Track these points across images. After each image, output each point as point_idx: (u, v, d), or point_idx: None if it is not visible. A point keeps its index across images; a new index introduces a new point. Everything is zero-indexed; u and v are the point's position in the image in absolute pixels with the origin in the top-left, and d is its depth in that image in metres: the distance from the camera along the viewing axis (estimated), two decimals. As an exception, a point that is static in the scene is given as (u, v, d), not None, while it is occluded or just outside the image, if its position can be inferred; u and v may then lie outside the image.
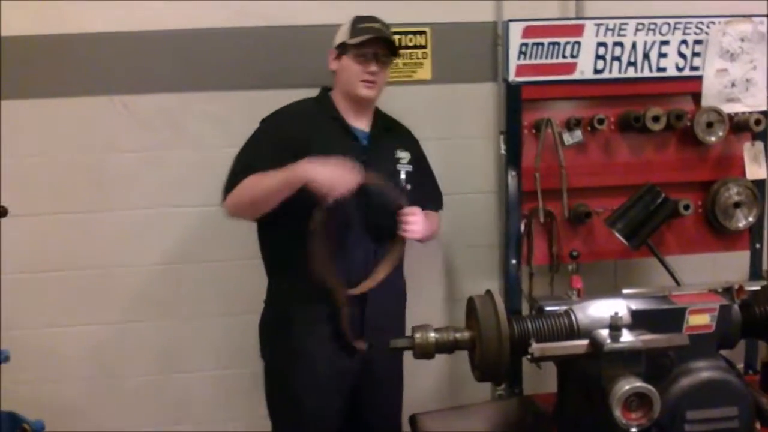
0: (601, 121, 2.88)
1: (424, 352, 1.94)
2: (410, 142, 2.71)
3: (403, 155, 2.62)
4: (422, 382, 3.19)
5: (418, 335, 1.94)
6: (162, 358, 3.10)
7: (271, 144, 2.45)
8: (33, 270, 2.98)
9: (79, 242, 2.99)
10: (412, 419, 2.28)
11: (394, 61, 2.64)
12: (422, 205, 2.58)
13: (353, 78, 2.49)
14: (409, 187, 2.58)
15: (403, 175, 2.59)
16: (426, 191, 2.72)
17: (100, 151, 2.95)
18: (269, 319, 2.59)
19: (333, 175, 2.27)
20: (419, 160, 2.70)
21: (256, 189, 2.36)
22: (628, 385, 1.73)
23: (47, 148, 2.93)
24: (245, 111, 2.72)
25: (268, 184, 2.33)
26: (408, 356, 2.02)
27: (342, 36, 2.53)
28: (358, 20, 2.53)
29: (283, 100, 2.61)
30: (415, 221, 2.47)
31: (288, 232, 2.44)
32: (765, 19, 2.93)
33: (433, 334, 1.94)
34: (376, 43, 2.48)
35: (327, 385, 2.48)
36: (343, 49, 2.51)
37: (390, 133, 2.65)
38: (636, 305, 1.95)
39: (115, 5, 2.86)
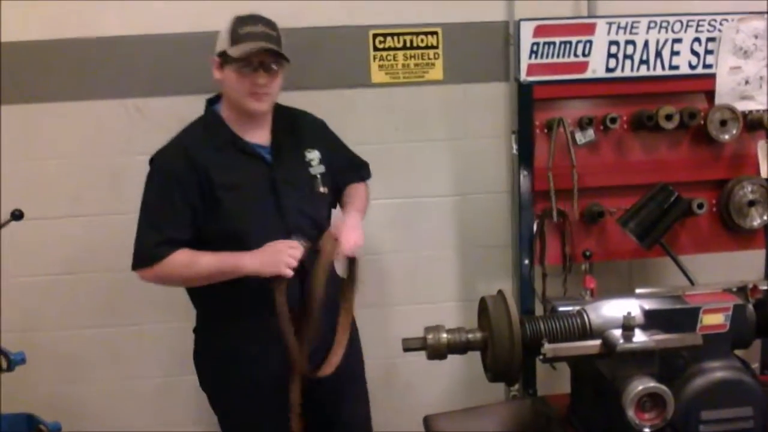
0: (613, 120, 2.87)
1: (437, 352, 1.94)
2: (314, 134, 2.45)
3: (312, 155, 2.39)
4: (436, 383, 3.20)
5: (430, 336, 1.95)
6: (178, 359, 3.11)
7: (173, 194, 2.21)
8: (49, 273, 3.01)
9: (95, 245, 3.01)
10: (426, 420, 2.28)
11: (286, 66, 2.28)
12: (346, 182, 2.50)
13: (240, 92, 2.23)
14: (324, 190, 2.39)
15: (318, 179, 2.38)
16: (344, 167, 2.51)
17: (115, 154, 2.97)
18: (211, 354, 2.40)
19: (271, 260, 2.14)
20: (329, 148, 2.46)
21: (187, 272, 2.21)
22: (642, 385, 1.73)
23: (63, 152, 2.96)
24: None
25: (201, 272, 2.20)
26: (421, 357, 2.03)
27: (222, 43, 2.23)
28: (239, 23, 2.22)
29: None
30: (347, 239, 2.25)
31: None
32: (779, 15, 2.91)
33: (445, 335, 1.95)
34: (262, 52, 2.20)
35: (284, 413, 2.32)
36: (224, 58, 2.22)
37: (293, 135, 2.38)
38: (649, 305, 1.95)
39: (128, 9, 2.88)
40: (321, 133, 2.49)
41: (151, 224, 2.22)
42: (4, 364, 2.47)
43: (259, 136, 2.32)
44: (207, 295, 2.31)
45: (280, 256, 2.14)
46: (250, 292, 2.21)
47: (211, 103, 2.37)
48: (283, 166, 2.32)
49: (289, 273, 2.13)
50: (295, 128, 2.40)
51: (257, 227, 2.23)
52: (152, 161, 2.28)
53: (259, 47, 2.17)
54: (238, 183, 2.24)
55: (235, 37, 2.18)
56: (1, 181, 2.91)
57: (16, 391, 2.84)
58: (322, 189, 2.38)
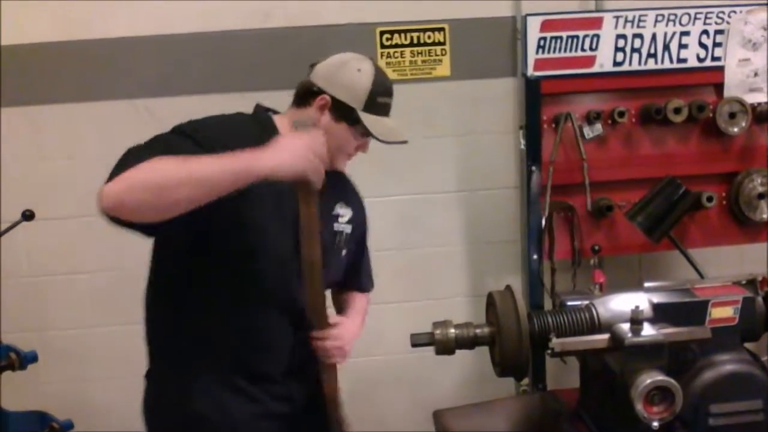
0: (621, 114, 2.87)
1: (444, 347, 1.95)
2: (355, 200, 2.12)
3: (343, 212, 2.05)
4: (446, 378, 3.20)
5: (438, 331, 1.96)
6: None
7: (194, 150, 1.71)
8: (61, 272, 3.03)
9: (106, 244, 3.02)
10: (436, 415, 2.29)
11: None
12: (359, 283, 2.19)
13: (342, 150, 1.95)
14: (344, 252, 2.05)
15: (343, 238, 2.04)
16: (358, 264, 2.18)
17: (124, 154, 2.99)
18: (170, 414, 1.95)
19: (295, 157, 1.68)
20: (360, 225, 2.12)
21: (174, 170, 1.59)
22: (650, 378, 1.73)
23: (73, 153, 2.98)
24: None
25: (199, 169, 1.59)
26: (431, 353, 2.04)
27: (353, 97, 1.90)
28: (380, 85, 1.93)
29: None
30: (337, 343, 1.89)
31: (215, 299, 1.84)
32: (788, 6, 2.89)
33: (453, 330, 1.96)
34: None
35: None
36: (348, 115, 1.90)
37: (331, 182, 1.92)
38: (658, 299, 1.95)
39: (138, 10, 2.89)
40: (360, 203, 2.15)
41: (141, 150, 1.72)
42: (17, 363, 2.49)
43: None
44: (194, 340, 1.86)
45: (306, 155, 1.69)
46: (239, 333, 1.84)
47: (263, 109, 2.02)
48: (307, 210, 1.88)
49: (318, 181, 1.73)
50: (335, 179, 2.00)
51: (273, 253, 1.84)
52: (178, 127, 1.84)
53: (401, 140, 1.94)
54: (267, 201, 1.83)
55: (372, 104, 1.92)
56: (12, 182, 2.94)
57: (29, 389, 2.88)
58: (344, 250, 2.05)
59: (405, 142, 1.96)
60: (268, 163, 1.63)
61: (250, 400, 1.88)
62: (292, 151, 1.68)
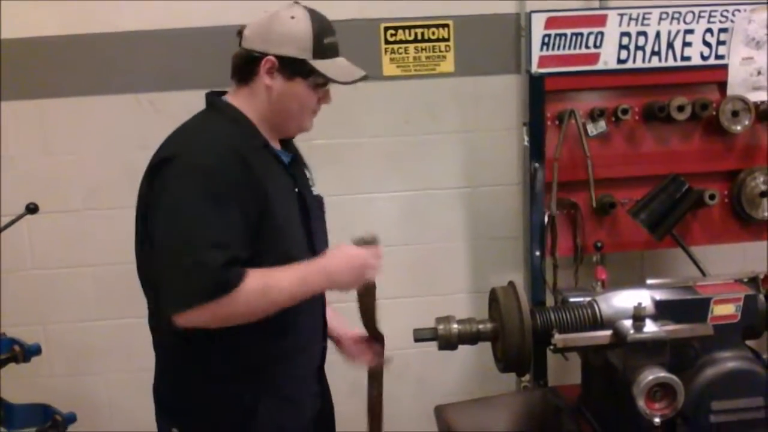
0: (625, 112, 2.87)
1: (447, 343, 1.96)
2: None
3: (311, 177, 2.02)
4: (448, 373, 3.21)
5: (441, 327, 1.97)
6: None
7: (230, 204, 1.68)
8: (65, 265, 3.03)
9: (110, 238, 3.03)
10: (437, 410, 2.30)
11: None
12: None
13: (304, 108, 1.85)
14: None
15: (321, 201, 2.02)
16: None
17: (128, 148, 2.99)
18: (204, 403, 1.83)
19: (359, 272, 1.79)
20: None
21: (263, 302, 1.65)
22: (652, 375, 1.74)
23: (78, 147, 2.98)
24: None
25: (279, 298, 1.67)
26: (433, 348, 2.05)
27: (298, 48, 1.78)
28: (319, 28, 1.81)
29: None
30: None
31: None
32: (792, 5, 2.89)
33: (455, 326, 1.97)
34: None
35: None
36: (299, 68, 1.79)
37: (293, 147, 1.99)
38: (660, 295, 1.96)
39: (142, 4, 2.89)
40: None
41: (210, 241, 1.62)
42: (21, 355, 2.49)
43: (277, 145, 1.92)
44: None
45: (365, 271, 1.81)
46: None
47: (216, 96, 1.94)
48: (300, 180, 1.94)
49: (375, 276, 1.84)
50: (291, 143, 2.02)
51: (299, 256, 1.80)
52: (189, 161, 1.74)
53: (362, 76, 1.87)
54: (284, 198, 1.82)
55: (321, 48, 1.80)
56: (16, 175, 2.94)
57: (32, 381, 2.89)
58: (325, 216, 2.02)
59: (366, 77, 1.88)
60: (344, 284, 1.77)
61: (292, 402, 1.88)
62: (354, 270, 1.77)
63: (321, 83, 1.82)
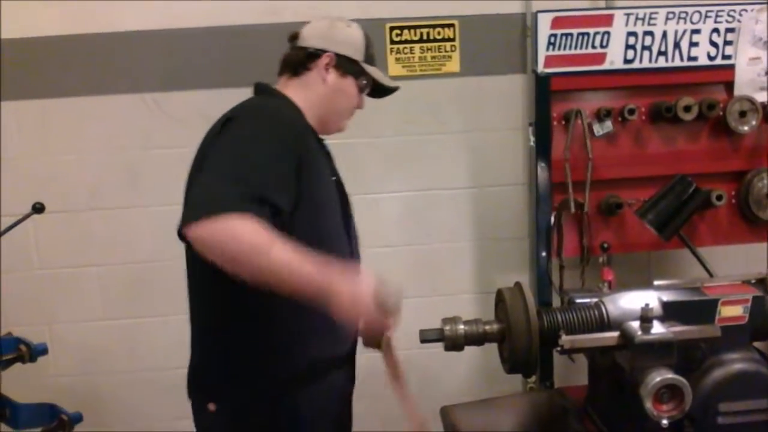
0: (631, 112, 2.86)
1: (454, 344, 1.95)
2: None
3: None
4: (454, 374, 3.20)
5: (447, 328, 1.96)
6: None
7: (287, 156, 1.72)
8: (70, 265, 3.04)
9: (114, 238, 3.04)
10: (443, 411, 2.29)
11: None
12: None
13: (347, 108, 2.03)
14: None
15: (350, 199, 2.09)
16: None
17: (133, 148, 3.00)
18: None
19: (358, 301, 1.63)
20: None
21: (255, 255, 1.55)
22: (660, 377, 1.73)
23: (82, 146, 2.99)
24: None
25: (275, 265, 1.56)
26: (439, 349, 2.04)
27: (354, 50, 1.99)
28: (370, 42, 2.05)
29: None
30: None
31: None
32: (799, 5, 2.88)
33: (462, 327, 1.96)
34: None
35: None
36: (353, 68, 1.99)
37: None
38: (667, 297, 1.95)
39: (146, 4, 2.90)
40: None
41: (240, 175, 1.62)
42: (27, 355, 2.49)
43: None
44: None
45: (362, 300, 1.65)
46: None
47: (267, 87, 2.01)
48: (338, 176, 2.03)
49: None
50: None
51: (335, 245, 1.86)
52: (258, 112, 1.82)
53: (396, 86, 2.14)
54: (327, 180, 1.92)
55: (369, 55, 2.03)
56: (21, 175, 2.94)
57: (39, 381, 2.89)
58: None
59: (398, 88, 2.13)
60: (338, 307, 1.59)
61: (324, 380, 1.91)
62: (358, 309, 1.62)
63: (364, 86, 2.03)
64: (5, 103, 2.91)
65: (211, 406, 1.87)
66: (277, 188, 1.65)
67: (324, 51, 1.95)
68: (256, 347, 1.84)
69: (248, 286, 1.60)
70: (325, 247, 1.71)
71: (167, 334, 3.12)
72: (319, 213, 1.83)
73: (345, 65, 1.97)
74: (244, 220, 1.54)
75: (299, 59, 1.97)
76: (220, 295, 1.81)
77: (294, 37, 2.02)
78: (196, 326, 1.96)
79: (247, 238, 1.53)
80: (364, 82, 2.02)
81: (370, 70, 2.02)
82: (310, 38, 1.99)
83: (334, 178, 1.99)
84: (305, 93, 1.95)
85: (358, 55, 1.99)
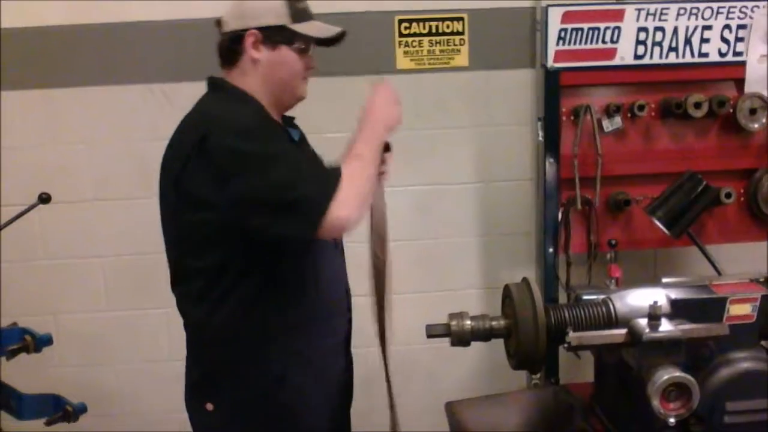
0: (641, 108, 2.84)
1: (460, 339, 1.94)
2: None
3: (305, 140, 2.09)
4: (458, 370, 3.20)
5: (454, 323, 1.95)
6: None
7: (287, 148, 1.86)
8: (76, 256, 3.04)
9: (121, 229, 3.04)
10: (448, 407, 2.29)
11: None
12: None
13: (296, 74, 1.91)
14: None
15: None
16: None
17: (141, 138, 2.99)
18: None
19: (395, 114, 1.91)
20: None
21: (367, 171, 1.78)
22: (667, 374, 1.72)
23: (90, 137, 2.98)
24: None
25: (371, 163, 1.81)
26: (444, 344, 2.03)
27: (276, 16, 1.86)
28: None
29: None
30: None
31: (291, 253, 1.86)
32: (812, 2, 2.86)
33: (468, 322, 1.95)
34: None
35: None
36: (282, 35, 1.87)
37: (293, 122, 2.07)
38: (676, 294, 1.93)
39: (153, -6, 2.90)
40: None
41: (300, 166, 1.74)
42: (32, 345, 2.50)
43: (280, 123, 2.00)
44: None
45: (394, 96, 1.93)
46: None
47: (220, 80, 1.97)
48: (307, 153, 2.05)
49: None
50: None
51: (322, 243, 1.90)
52: (231, 127, 1.77)
53: (339, 31, 1.94)
54: None
55: (295, 13, 1.87)
56: (28, 165, 2.94)
57: (43, 371, 2.90)
58: None
59: (344, 32, 1.94)
60: (395, 123, 1.88)
61: (319, 372, 1.94)
62: (395, 107, 1.90)
63: (304, 48, 1.89)
64: (11, 93, 2.91)
65: (209, 406, 1.90)
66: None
67: (244, 30, 1.85)
68: (251, 342, 1.86)
69: (244, 280, 1.79)
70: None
71: (172, 325, 3.11)
72: None
73: (272, 36, 1.86)
74: (341, 184, 1.68)
75: (226, 47, 1.90)
76: (213, 293, 1.84)
77: (218, 23, 1.94)
78: (189, 327, 1.98)
79: (362, 180, 1.74)
80: (301, 44, 1.89)
81: (302, 27, 1.87)
82: (229, 21, 1.89)
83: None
84: (248, 80, 1.89)
85: (282, 18, 1.86)
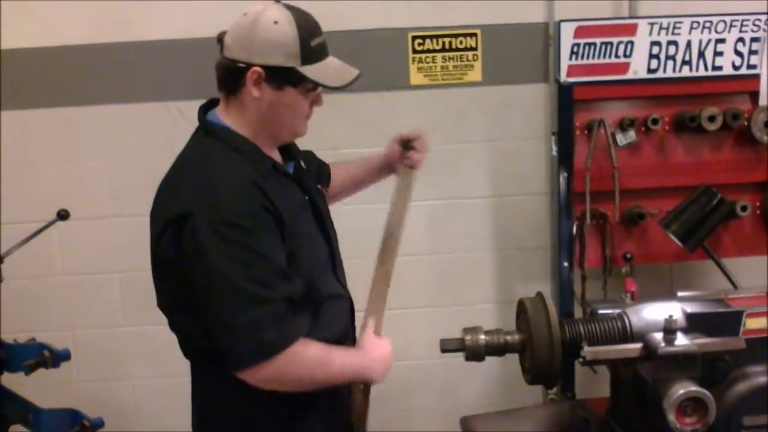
0: (655, 122, 2.84)
1: (475, 354, 1.95)
2: (305, 155, 2.03)
3: (305, 166, 1.96)
4: (474, 384, 3.19)
5: (468, 337, 1.95)
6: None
7: (275, 242, 1.67)
8: (94, 271, 3.06)
9: (138, 244, 3.04)
10: (463, 421, 2.28)
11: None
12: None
13: (298, 115, 1.76)
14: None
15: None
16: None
17: (158, 155, 2.97)
18: None
19: (386, 369, 1.83)
20: (316, 170, 2.12)
21: (319, 372, 1.70)
22: (683, 389, 1.72)
23: (107, 154, 3.02)
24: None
25: (333, 375, 1.73)
26: (459, 359, 2.03)
27: (285, 55, 1.66)
28: (307, 34, 1.69)
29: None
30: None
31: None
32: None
33: (483, 337, 1.95)
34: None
35: None
36: (288, 77, 1.68)
37: (291, 149, 1.92)
38: (691, 308, 1.93)
39: (170, 13, 2.92)
40: (305, 154, 2.06)
41: (259, 293, 1.61)
42: (50, 360, 2.52)
43: (277, 156, 1.85)
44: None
45: (389, 364, 1.85)
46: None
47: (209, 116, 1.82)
48: (308, 186, 1.89)
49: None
50: (295, 149, 1.98)
51: (324, 281, 1.84)
52: (214, 216, 1.62)
53: (354, 77, 1.78)
54: (301, 217, 1.79)
55: (309, 52, 1.68)
56: (46, 182, 2.98)
57: (61, 386, 2.92)
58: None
59: (359, 76, 1.78)
60: (377, 379, 1.80)
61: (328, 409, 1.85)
62: (386, 363, 1.81)
63: (310, 89, 1.73)
64: (31, 111, 2.95)
65: None
66: (289, 280, 1.66)
67: (249, 65, 1.66)
68: (252, 394, 1.72)
69: None
70: (320, 275, 1.81)
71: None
72: (302, 258, 1.74)
73: (278, 76, 1.67)
74: (297, 347, 1.64)
75: (227, 74, 1.71)
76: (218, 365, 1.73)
77: (220, 40, 1.75)
78: (194, 380, 1.98)
79: (305, 369, 1.66)
80: (309, 86, 1.71)
81: (313, 71, 1.69)
82: (233, 47, 1.69)
83: (306, 197, 1.85)
84: (245, 116, 1.74)
85: (291, 60, 1.66)
